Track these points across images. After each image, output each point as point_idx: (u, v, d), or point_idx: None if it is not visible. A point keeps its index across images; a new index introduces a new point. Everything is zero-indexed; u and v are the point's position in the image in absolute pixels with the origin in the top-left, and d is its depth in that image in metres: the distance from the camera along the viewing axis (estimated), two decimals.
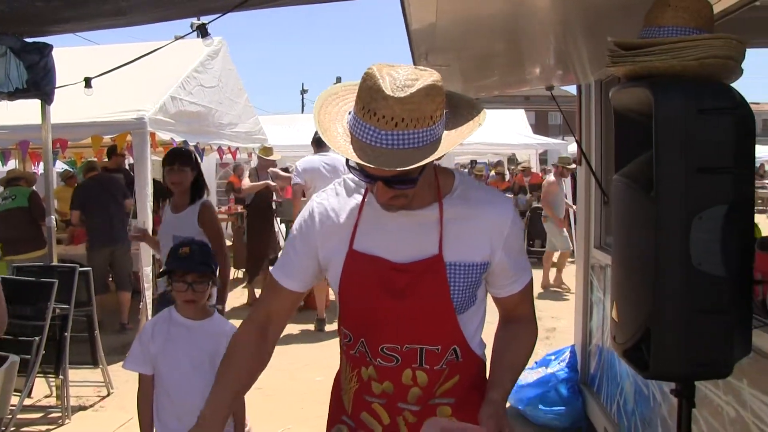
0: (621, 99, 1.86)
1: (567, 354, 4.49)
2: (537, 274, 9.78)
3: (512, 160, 15.29)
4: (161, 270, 2.61)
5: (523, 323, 1.71)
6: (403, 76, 1.34)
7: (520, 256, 1.67)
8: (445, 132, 1.42)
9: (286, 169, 10.54)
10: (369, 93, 1.34)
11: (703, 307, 1.61)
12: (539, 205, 11.69)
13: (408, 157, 1.33)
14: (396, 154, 1.33)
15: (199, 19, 4.23)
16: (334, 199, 1.65)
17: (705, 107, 1.57)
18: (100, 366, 5.05)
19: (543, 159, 18.12)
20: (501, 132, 13.84)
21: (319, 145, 6.62)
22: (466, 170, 18.40)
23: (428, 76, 1.37)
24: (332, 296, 6.86)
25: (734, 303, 1.63)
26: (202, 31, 3.85)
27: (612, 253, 1.99)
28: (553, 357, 4.60)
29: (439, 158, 1.45)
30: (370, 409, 1.64)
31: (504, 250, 1.60)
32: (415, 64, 2.94)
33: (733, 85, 1.70)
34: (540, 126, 33.34)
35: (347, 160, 1.41)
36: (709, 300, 1.61)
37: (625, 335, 1.84)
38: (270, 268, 1.83)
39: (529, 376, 4.45)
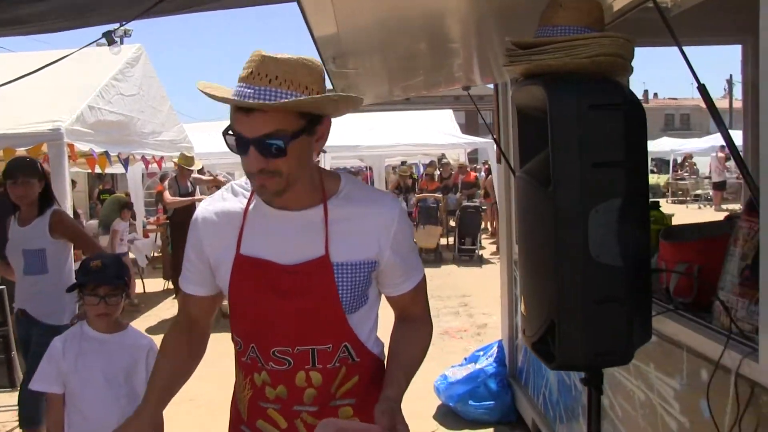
0: (520, 97, 1.91)
1: (495, 349, 4.57)
2: (470, 271, 10.01)
3: (440, 160, 15.52)
4: (71, 284, 2.52)
5: (417, 321, 1.73)
6: (287, 54, 1.42)
7: (410, 255, 1.70)
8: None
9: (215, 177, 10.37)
10: (250, 60, 1.41)
11: (602, 298, 1.66)
12: (469, 204, 11.90)
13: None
14: (266, 105, 1.37)
15: (122, 25, 4.10)
16: (220, 204, 1.65)
17: (596, 103, 1.62)
18: (18, 389, 4.84)
19: (473, 158, 18.42)
20: (429, 133, 13.96)
21: None
22: (396, 170, 18.53)
23: (309, 57, 1.44)
24: None
25: (632, 292, 1.69)
26: (108, 39, 3.74)
27: (518, 249, 2.03)
28: (481, 353, 4.68)
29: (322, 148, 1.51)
30: (265, 415, 1.64)
31: (392, 248, 1.62)
32: (324, 66, 2.95)
33: (636, 80, 1.77)
34: (470, 125, 33.82)
35: (224, 132, 1.44)
36: (607, 290, 1.66)
37: (532, 328, 1.88)
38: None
39: (458, 372, 4.51)
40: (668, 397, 2.20)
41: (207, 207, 1.67)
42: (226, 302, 5.75)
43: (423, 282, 1.74)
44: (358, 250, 1.58)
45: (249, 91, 1.37)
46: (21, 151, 6.57)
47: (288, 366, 1.58)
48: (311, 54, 1.61)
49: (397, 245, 1.63)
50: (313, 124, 1.45)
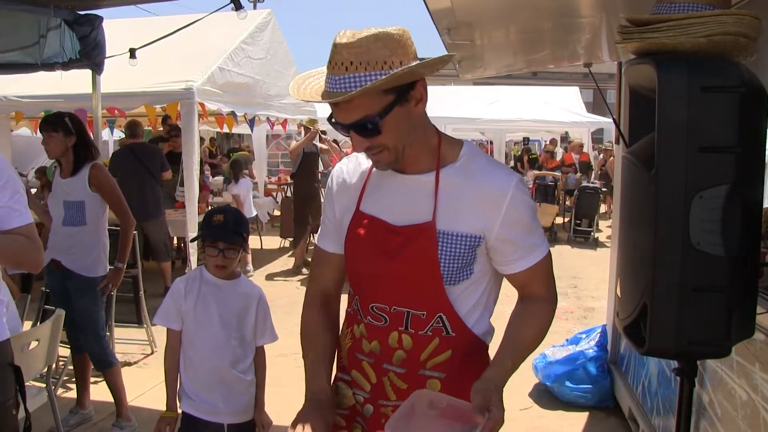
0: (632, 76, 1.86)
1: (598, 333, 4.47)
2: (583, 253, 9.75)
3: (564, 138, 15.06)
4: (195, 235, 2.72)
5: (535, 303, 1.66)
6: (365, 30, 1.42)
7: (527, 233, 1.60)
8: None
9: (336, 141, 10.68)
10: (331, 49, 1.43)
11: (700, 286, 1.61)
12: (588, 184, 11.53)
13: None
14: (342, 96, 1.40)
15: None
16: (352, 164, 1.74)
17: (709, 85, 1.55)
18: (144, 325, 5.29)
19: (597, 138, 17.77)
20: (553, 109, 13.61)
21: None
22: (521, 147, 18.18)
23: (387, 29, 1.42)
24: None
25: (733, 284, 1.62)
26: (236, 4, 3.91)
27: (617, 230, 1.99)
28: (583, 335, 4.59)
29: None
30: (360, 366, 1.69)
31: (502, 225, 1.56)
32: (440, 37, 2.96)
33: None
34: (597, 104, 32.51)
35: (329, 119, 1.51)
36: (706, 279, 1.60)
37: (626, 311, 1.85)
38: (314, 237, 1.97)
39: (558, 353, 4.46)
40: None
41: (341, 166, 1.77)
42: None
43: (544, 261, 1.64)
44: (464, 222, 1.56)
45: (331, 82, 1.42)
46: (158, 109, 7.09)
47: (384, 323, 1.63)
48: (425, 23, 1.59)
49: (510, 222, 1.57)
50: (403, 94, 1.46)
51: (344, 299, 1.79)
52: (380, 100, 1.43)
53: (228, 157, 13.72)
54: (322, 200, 2.00)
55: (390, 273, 1.60)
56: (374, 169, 1.66)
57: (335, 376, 1.83)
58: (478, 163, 1.61)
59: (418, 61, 1.45)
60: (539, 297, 1.67)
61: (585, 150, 14.05)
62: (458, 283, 1.59)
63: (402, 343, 1.62)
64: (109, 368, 3.91)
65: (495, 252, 1.61)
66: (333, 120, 1.50)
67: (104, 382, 4.02)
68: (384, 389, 1.66)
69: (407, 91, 1.46)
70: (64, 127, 3.76)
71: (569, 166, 13.20)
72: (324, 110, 11.34)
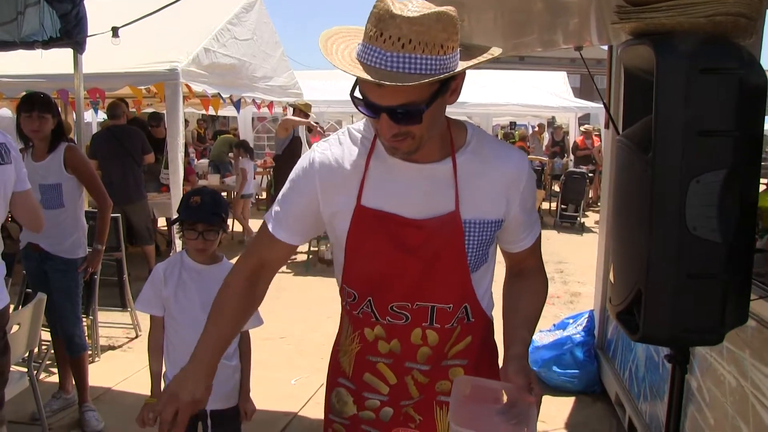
0: (628, 58, 1.81)
1: (585, 318, 4.47)
2: (570, 238, 9.77)
3: (551, 123, 15.05)
4: (173, 218, 2.67)
5: (533, 274, 1.69)
6: (415, 3, 1.26)
7: (532, 210, 1.64)
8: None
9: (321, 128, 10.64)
10: (377, 16, 1.26)
11: (695, 272, 1.58)
12: (575, 169, 11.54)
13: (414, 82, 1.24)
14: (402, 78, 1.23)
15: None
16: (338, 149, 1.54)
17: (708, 67, 1.51)
18: (129, 309, 5.23)
19: (584, 123, 17.79)
20: (540, 94, 13.58)
21: None
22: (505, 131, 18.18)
23: (445, 8, 1.27)
24: None
25: (729, 270, 1.59)
26: None
27: (611, 215, 1.96)
28: (570, 320, 4.59)
29: (453, 100, 1.39)
30: (374, 369, 1.61)
31: (519, 205, 1.56)
32: None
33: None
34: (585, 89, 32.47)
35: (352, 92, 1.35)
36: (701, 265, 1.57)
37: (619, 297, 1.82)
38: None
39: (545, 337, 4.45)
40: (763, 388, 2.08)
41: (324, 151, 1.54)
42: (323, 247, 5.98)
43: (540, 235, 1.70)
44: (487, 207, 1.52)
45: (379, 57, 1.24)
46: (143, 90, 6.97)
47: (405, 321, 1.54)
48: None
49: (524, 202, 1.57)
50: (447, 83, 1.34)
51: (328, 294, 1.73)
52: (429, 89, 1.29)
53: (214, 139, 13.60)
54: None
55: (413, 269, 1.50)
56: (373, 158, 1.50)
57: (331, 381, 1.74)
58: (489, 146, 1.56)
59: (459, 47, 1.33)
60: (535, 267, 1.70)
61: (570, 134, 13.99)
62: (479, 269, 1.58)
63: (427, 339, 1.56)
64: (83, 352, 3.86)
65: (507, 232, 1.61)
66: (362, 98, 1.32)
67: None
68: (406, 388, 1.61)
69: (450, 80, 1.34)
70: (54, 110, 3.69)
71: (584, 149, 13.04)
72: (311, 93, 11.24)
